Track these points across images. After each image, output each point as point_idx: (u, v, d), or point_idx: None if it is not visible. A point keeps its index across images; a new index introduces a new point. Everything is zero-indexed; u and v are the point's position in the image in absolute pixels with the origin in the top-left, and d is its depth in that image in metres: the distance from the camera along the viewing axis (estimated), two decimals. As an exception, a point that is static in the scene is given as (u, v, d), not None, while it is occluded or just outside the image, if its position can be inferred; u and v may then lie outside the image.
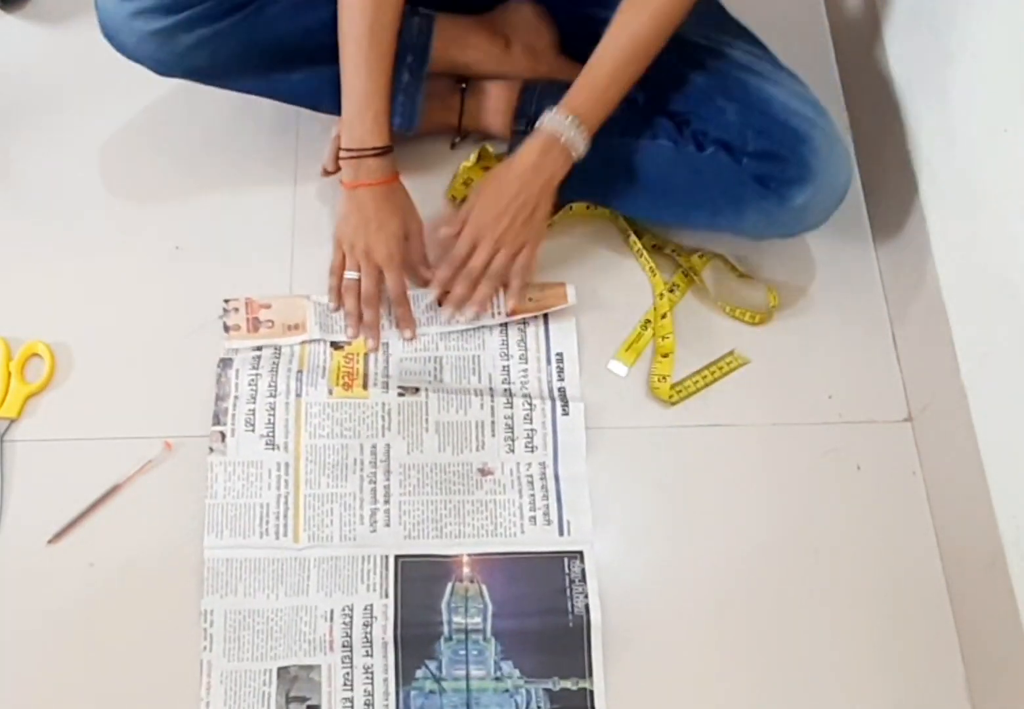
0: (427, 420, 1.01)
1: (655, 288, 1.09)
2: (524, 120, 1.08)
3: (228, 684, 0.90)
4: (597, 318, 1.07)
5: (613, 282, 1.09)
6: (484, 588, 0.94)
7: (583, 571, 0.95)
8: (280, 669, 0.91)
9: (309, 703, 0.90)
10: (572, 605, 0.93)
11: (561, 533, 0.97)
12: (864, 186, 1.17)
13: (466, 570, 0.95)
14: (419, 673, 0.91)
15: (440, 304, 1.05)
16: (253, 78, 1.04)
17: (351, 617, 0.93)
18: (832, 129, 0.99)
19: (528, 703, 0.91)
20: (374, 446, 1.00)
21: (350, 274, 1.02)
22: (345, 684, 0.91)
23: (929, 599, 0.96)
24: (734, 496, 1.00)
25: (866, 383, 1.06)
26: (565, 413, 1.01)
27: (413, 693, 0.91)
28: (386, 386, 1.02)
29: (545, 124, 0.97)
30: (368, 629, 0.92)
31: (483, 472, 0.99)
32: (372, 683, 0.91)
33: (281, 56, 1.01)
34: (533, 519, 0.97)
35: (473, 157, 1.15)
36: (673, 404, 1.03)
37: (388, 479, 0.98)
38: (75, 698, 0.91)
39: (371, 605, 0.93)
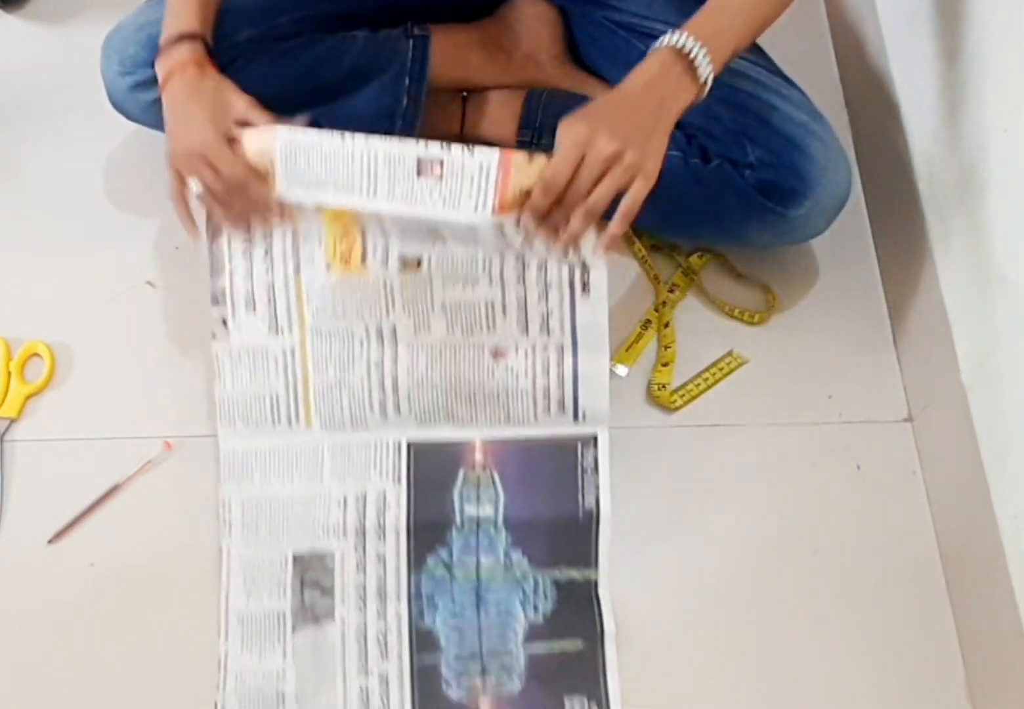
0: (432, 299, 0.93)
1: (658, 296, 1.09)
2: (528, 130, 1.07)
3: (247, 571, 0.92)
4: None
5: (612, 283, 1.08)
6: (496, 475, 0.94)
7: (596, 459, 0.94)
8: (295, 555, 0.92)
9: (323, 587, 0.91)
10: (583, 496, 0.93)
11: (576, 419, 0.94)
12: (864, 186, 1.17)
13: (478, 456, 0.94)
14: (430, 560, 0.92)
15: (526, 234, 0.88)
16: None
17: (364, 504, 0.93)
18: (830, 137, 0.98)
19: (535, 590, 0.92)
20: (380, 328, 0.94)
21: (195, 184, 0.89)
22: (358, 569, 0.92)
23: (929, 599, 0.96)
24: (733, 496, 1.00)
25: (866, 383, 1.06)
26: (585, 292, 0.91)
27: (424, 578, 0.91)
28: (385, 260, 0.93)
29: (667, 40, 0.83)
30: (381, 516, 0.93)
31: (496, 354, 0.94)
32: (384, 569, 0.91)
33: (274, 103, 0.96)
34: (547, 405, 0.94)
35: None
36: (677, 409, 1.03)
37: (396, 364, 0.94)
38: (74, 699, 0.91)
39: (384, 491, 0.93)
